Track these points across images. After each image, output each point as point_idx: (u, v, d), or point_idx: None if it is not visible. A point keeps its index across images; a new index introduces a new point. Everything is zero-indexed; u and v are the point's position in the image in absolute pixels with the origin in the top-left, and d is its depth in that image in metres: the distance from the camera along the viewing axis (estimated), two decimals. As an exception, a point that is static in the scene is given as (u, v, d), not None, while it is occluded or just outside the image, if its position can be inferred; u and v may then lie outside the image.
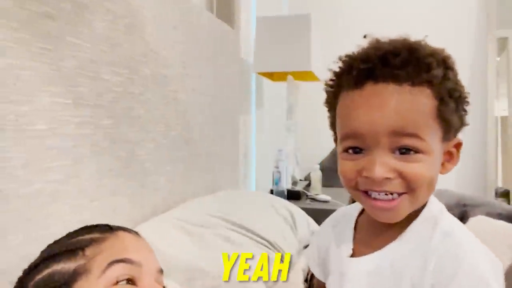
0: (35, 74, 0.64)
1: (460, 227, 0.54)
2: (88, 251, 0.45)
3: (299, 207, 1.34)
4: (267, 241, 1.01)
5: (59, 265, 0.43)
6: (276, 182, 1.80)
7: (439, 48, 0.53)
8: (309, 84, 2.15)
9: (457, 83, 0.52)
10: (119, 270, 0.44)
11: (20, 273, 0.47)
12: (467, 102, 0.54)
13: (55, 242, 0.48)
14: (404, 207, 0.51)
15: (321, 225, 0.72)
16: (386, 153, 0.50)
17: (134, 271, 0.45)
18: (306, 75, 1.95)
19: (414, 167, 0.49)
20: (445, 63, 0.51)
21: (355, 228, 0.62)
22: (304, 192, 1.96)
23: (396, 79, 0.49)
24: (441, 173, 0.54)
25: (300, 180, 2.26)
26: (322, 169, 2.17)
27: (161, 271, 0.50)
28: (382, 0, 2.59)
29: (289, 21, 1.78)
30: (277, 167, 1.80)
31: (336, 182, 2.40)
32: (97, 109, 0.80)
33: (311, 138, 2.65)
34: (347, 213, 0.67)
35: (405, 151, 0.49)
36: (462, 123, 0.55)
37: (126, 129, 0.89)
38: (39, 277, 0.43)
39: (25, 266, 0.47)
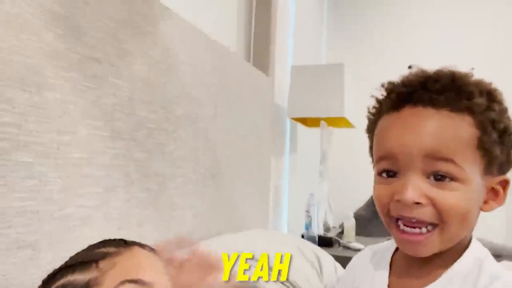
0: (78, 109, 0.72)
1: (507, 272, 0.50)
2: (102, 264, 0.45)
3: (331, 254, 1.31)
4: (290, 283, 1.00)
5: (73, 276, 0.45)
6: (307, 226, 1.78)
7: (485, 81, 0.52)
8: (342, 130, 2.17)
9: (503, 115, 0.51)
10: None
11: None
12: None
13: (75, 254, 0.51)
14: (433, 242, 0.50)
15: (351, 262, 0.70)
16: (420, 177, 0.48)
17: None
18: (339, 121, 1.98)
19: (448, 195, 0.47)
20: (490, 95, 0.51)
21: (390, 264, 0.59)
22: (336, 239, 1.91)
23: (435, 104, 0.49)
24: (483, 210, 0.52)
25: (334, 227, 2.21)
26: (356, 218, 2.13)
27: None
28: (415, 51, 2.62)
29: (323, 70, 1.85)
30: (308, 211, 1.79)
31: (371, 232, 2.31)
32: (132, 142, 0.86)
33: (346, 186, 2.62)
34: (381, 249, 0.65)
35: (440, 177, 0.48)
36: (509, 160, 0.52)
37: (157, 163, 0.95)
38: (54, 287, 0.45)
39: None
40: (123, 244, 0.49)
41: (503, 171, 0.52)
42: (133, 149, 0.87)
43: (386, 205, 0.52)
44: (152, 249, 0.53)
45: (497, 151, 0.50)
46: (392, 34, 2.73)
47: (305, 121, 2.13)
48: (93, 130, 0.76)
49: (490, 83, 0.52)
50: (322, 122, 1.91)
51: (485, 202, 0.52)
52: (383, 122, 0.54)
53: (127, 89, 0.85)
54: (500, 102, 0.51)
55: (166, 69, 0.98)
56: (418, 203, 0.48)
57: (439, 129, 0.48)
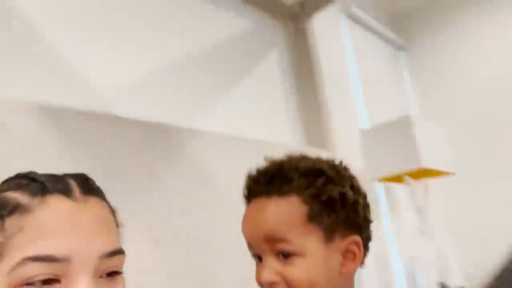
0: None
1: None
2: (8, 223, 0.37)
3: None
4: None
5: None
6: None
7: (312, 161, 0.58)
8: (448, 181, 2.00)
9: (326, 186, 0.55)
10: (34, 270, 0.36)
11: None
12: (346, 202, 0.55)
13: None
14: None
15: None
16: (273, 258, 0.54)
17: (58, 268, 0.36)
18: (429, 173, 1.85)
19: (294, 270, 0.53)
20: (312, 172, 0.56)
21: None
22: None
23: (267, 193, 0.56)
24: (343, 273, 0.55)
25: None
26: (501, 273, 1.82)
27: (110, 254, 0.40)
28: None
29: (391, 126, 1.83)
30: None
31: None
32: (172, 249, 1.09)
33: (476, 239, 2.23)
34: None
35: (285, 255, 0.53)
36: (354, 221, 0.55)
37: (197, 259, 1.14)
38: None
39: None
40: (40, 192, 0.39)
41: (355, 231, 0.54)
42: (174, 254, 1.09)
43: (261, 284, 0.57)
44: (84, 189, 0.41)
45: (328, 219, 0.54)
46: (476, 72, 2.51)
47: (397, 180, 2.04)
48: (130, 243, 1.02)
49: (316, 162, 0.57)
50: (405, 177, 1.82)
51: (343, 264, 0.54)
52: (244, 212, 0.62)
53: (163, 203, 1.10)
54: (324, 175, 0.55)
55: (197, 182, 1.21)
56: (273, 282, 0.53)
57: (270, 215, 0.55)
